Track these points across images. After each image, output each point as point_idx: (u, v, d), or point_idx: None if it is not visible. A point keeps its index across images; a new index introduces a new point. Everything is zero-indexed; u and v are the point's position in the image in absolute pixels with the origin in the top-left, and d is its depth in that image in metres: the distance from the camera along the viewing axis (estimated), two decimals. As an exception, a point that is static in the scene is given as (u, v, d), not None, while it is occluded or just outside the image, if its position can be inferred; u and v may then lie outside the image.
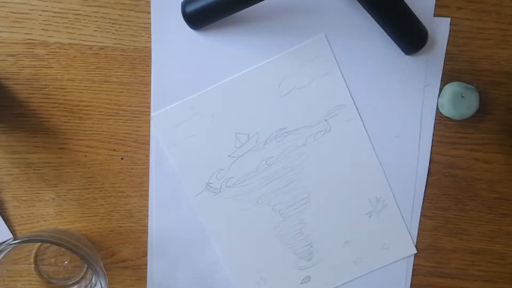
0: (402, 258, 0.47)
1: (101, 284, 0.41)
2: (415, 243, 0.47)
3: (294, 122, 0.45)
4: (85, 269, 0.47)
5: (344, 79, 0.44)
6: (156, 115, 0.44)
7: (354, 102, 0.44)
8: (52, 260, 0.47)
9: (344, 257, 0.47)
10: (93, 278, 0.45)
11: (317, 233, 0.46)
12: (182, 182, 0.45)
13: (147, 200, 0.46)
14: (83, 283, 0.46)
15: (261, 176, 0.45)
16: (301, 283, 0.47)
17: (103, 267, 0.42)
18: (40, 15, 0.43)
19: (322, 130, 0.45)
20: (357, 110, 0.45)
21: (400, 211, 0.46)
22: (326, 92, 0.44)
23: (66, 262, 0.47)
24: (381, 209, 0.46)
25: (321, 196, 0.46)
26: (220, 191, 0.45)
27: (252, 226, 0.46)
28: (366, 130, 0.45)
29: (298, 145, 0.45)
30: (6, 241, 0.46)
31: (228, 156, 0.45)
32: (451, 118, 0.44)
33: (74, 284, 0.47)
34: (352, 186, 0.46)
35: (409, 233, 0.46)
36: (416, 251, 0.47)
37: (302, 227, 0.46)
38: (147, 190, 0.46)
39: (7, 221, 0.46)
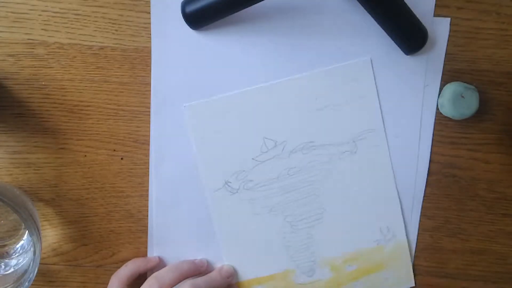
0: None
1: (34, 247, 0.39)
2: (415, 243, 0.47)
3: (323, 138, 0.45)
4: (21, 232, 0.45)
5: (380, 105, 0.44)
6: (190, 105, 0.44)
7: (385, 129, 0.44)
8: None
9: (344, 279, 0.47)
10: (26, 241, 0.43)
11: (322, 251, 0.46)
12: (202, 176, 0.45)
13: (147, 200, 0.46)
14: (18, 246, 0.45)
15: (280, 185, 0.45)
16: None
17: (40, 232, 0.41)
18: (40, 15, 0.43)
19: (348, 151, 0.45)
20: (386, 137, 0.45)
21: (409, 245, 0.46)
22: (360, 114, 0.44)
23: (1, 221, 0.45)
24: (390, 239, 0.46)
25: (334, 216, 0.46)
26: (237, 192, 0.45)
27: (261, 232, 0.46)
28: (391, 160, 0.45)
29: (322, 161, 0.45)
30: None
31: (252, 159, 0.45)
32: (451, 118, 0.44)
33: (5, 245, 0.45)
34: (367, 211, 0.46)
35: (412, 268, 0.47)
36: (414, 285, 0.47)
37: (309, 242, 0.46)
38: (147, 190, 0.46)
39: (7, 221, 0.46)
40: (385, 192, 0.45)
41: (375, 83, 0.44)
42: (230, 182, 0.45)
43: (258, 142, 0.45)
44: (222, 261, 0.47)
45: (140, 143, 0.45)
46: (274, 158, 0.45)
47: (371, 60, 0.44)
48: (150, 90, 0.44)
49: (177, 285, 0.43)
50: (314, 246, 0.46)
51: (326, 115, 0.44)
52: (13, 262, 0.44)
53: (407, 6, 0.41)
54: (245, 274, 0.47)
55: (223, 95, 0.44)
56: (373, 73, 0.44)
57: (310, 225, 0.46)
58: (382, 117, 0.44)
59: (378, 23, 0.43)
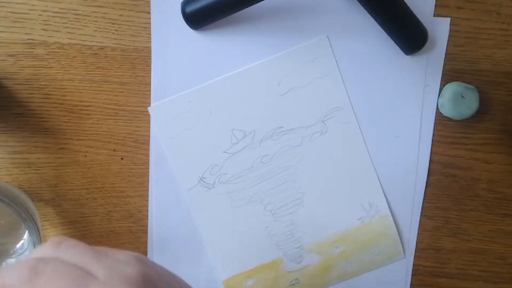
0: (392, 263, 0.47)
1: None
2: (415, 243, 0.47)
3: (291, 122, 0.45)
4: (21, 232, 0.44)
5: (344, 82, 0.44)
6: (154, 106, 0.44)
7: (351, 105, 0.44)
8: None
9: (334, 262, 0.47)
10: (26, 241, 0.43)
11: (308, 236, 0.46)
12: (175, 175, 0.45)
13: (147, 200, 0.46)
14: (18, 246, 0.44)
15: (255, 174, 0.45)
16: (290, 285, 0.47)
17: (40, 232, 0.41)
18: (40, 15, 0.43)
19: (318, 131, 0.45)
20: (354, 113, 0.44)
21: (393, 217, 0.46)
22: (325, 93, 0.44)
23: (1, 221, 0.44)
24: (374, 215, 0.46)
25: (314, 198, 0.46)
26: (213, 187, 0.45)
27: (243, 224, 0.46)
28: (362, 134, 0.45)
29: (293, 145, 0.45)
30: None
31: (224, 152, 0.45)
32: (451, 118, 0.44)
33: (5, 245, 0.44)
34: (346, 190, 0.46)
35: (400, 240, 0.46)
36: (404, 257, 0.47)
37: (293, 228, 0.46)
38: (147, 190, 0.46)
39: (7, 221, 0.46)
40: (361, 168, 0.45)
41: (336, 60, 0.44)
42: (204, 178, 0.45)
43: (227, 134, 0.45)
44: (209, 258, 0.47)
45: (140, 143, 0.45)
46: (245, 148, 0.45)
47: (328, 38, 0.43)
48: (150, 90, 0.44)
49: None
50: (298, 232, 0.46)
51: (291, 99, 0.44)
52: (13, 261, 0.44)
53: (407, 6, 0.41)
54: (234, 269, 0.47)
55: (186, 91, 0.44)
56: (332, 50, 0.43)
57: (291, 211, 0.46)
58: (348, 94, 0.44)
59: (378, 23, 0.43)
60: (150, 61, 0.44)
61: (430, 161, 0.46)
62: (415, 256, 0.47)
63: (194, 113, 0.44)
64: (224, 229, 0.46)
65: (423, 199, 0.46)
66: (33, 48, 0.44)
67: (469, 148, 0.46)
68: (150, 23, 0.44)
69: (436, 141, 0.45)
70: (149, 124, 0.45)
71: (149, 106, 0.45)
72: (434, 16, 0.44)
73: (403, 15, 0.42)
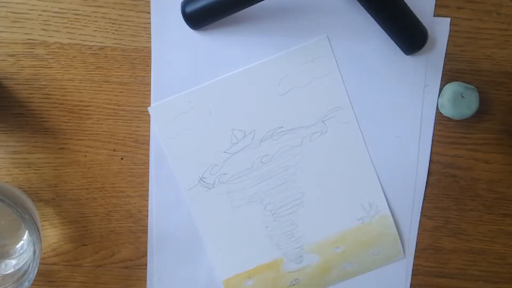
0: (392, 263, 0.47)
1: (34, 247, 0.39)
2: (415, 243, 0.47)
3: (291, 122, 0.45)
4: (21, 232, 0.45)
5: (344, 82, 0.44)
6: (154, 106, 0.44)
7: (351, 105, 0.44)
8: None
9: (334, 261, 0.47)
10: (26, 241, 0.43)
11: (308, 236, 0.46)
12: (175, 175, 0.45)
13: (147, 200, 0.46)
14: (18, 246, 0.44)
15: (255, 174, 0.45)
16: (290, 285, 0.47)
17: (40, 232, 0.41)
18: (40, 15, 0.43)
19: (318, 131, 0.45)
20: (354, 113, 0.44)
21: (393, 217, 0.46)
22: (325, 93, 0.44)
23: (1, 221, 0.45)
24: (374, 215, 0.46)
25: (314, 198, 0.46)
26: (213, 187, 0.45)
27: (243, 224, 0.46)
28: (362, 134, 0.45)
29: (293, 145, 0.45)
30: None
31: (224, 152, 0.45)
32: (451, 118, 0.44)
33: (5, 245, 0.45)
34: (346, 190, 0.46)
35: (400, 240, 0.46)
36: (404, 257, 0.47)
37: (293, 228, 0.46)
38: (147, 190, 0.46)
39: (7, 221, 0.46)
40: (361, 168, 0.45)
41: (336, 60, 0.44)
42: (204, 178, 0.45)
43: (227, 134, 0.45)
44: (209, 256, 0.47)
45: (140, 143, 0.46)
46: (245, 148, 0.45)
47: (328, 38, 0.43)
48: (150, 90, 0.44)
49: None
50: (298, 232, 0.46)
51: (291, 99, 0.44)
52: (13, 262, 0.44)
53: (407, 6, 0.41)
54: (234, 269, 0.47)
55: (186, 91, 0.44)
56: (332, 50, 0.43)
57: (291, 211, 0.46)
58: (348, 94, 0.44)
59: (378, 23, 0.43)
60: (150, 61, 0.44)
61: (430, 161, 0.46)
62: (415, 256, 0.47)
63: (194, 113, 0.44)
64: (224, 229, 0.46)
65: (423, 199, 0.46)
66: (33, 48, 0.44)
67: (469, 148, 0.46)
68: (150, 23, 0.44)
69: (436, 141, 0.45)
70: (149, 124, 0.45)
71: (149, 106, 0.45)
72: (434, 16, 0.44)
73: (403, 15, 0.42)
